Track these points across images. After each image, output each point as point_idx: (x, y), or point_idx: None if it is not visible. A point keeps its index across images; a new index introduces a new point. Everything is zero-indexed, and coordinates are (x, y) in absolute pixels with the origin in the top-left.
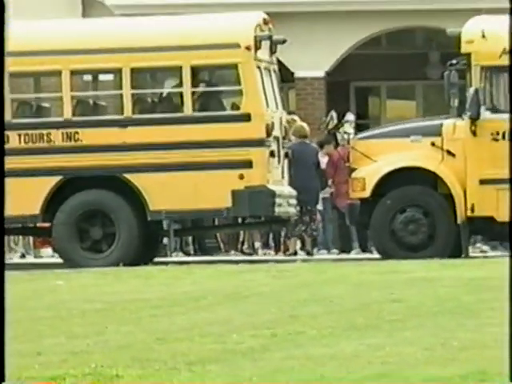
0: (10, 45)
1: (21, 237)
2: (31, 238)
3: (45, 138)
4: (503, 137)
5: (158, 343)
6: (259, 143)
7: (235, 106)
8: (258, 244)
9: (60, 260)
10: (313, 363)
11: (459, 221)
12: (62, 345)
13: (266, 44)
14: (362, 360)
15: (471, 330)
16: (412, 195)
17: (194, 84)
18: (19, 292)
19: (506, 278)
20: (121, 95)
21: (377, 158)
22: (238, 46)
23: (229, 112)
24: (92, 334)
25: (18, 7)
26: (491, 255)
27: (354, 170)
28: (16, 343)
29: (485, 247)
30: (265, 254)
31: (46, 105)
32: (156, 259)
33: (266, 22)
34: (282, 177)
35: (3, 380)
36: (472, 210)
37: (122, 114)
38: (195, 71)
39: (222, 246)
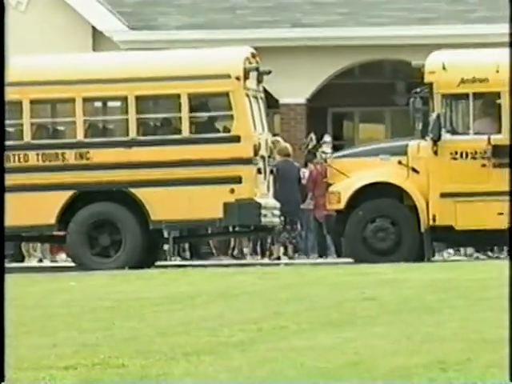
0: (31, 76)
1: (39, 243)
2: (48, 245)
3: (60, 156)
4: (461, 156)
5: (158, 337)
6: (248, 161)
7: (227, 129)
8: (246, 250)
9: (73, 264)
10: (294, 354)
11: (422, 229)
12: (74, 338)
13: (253, 75)
14: (337, 351)
15: (432, 326)
16: (381, 207)
17: (191, 110)
18: (37, 292)
19: (469, 279)
20: (126, 119)
21: (350, 174)
22: (229, 76)
23: (221, 134)
24: (101, 328)
25: (36, 42)
26: (451, 259)
27: (330, 184)
28: (34, 337)
29: (446, 254)
30: (252, 259)
31: (61, 128)
32: (157, 263)
33: (253, 56)
34: (268, 191)
35: (3, 380)
36: (434, 219)
37: (128, 135)
38: (191, 98)
39: (214, 251)
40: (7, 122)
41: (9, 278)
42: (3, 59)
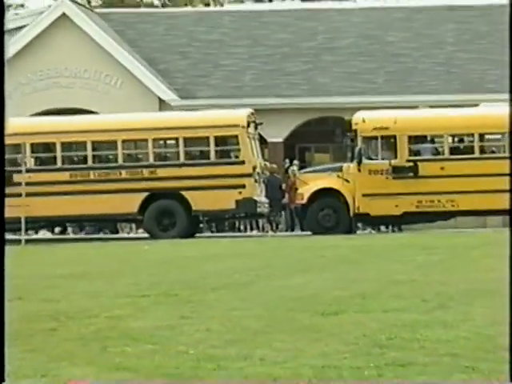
0: (123, 125)
1: (127, 223)
2: (133, 224)
3: (140, 172)
4: (374, 172)
5: (197, 279)
6: (249, 175)
7: (236, 156)
8: (248, 227)
9: (147, 235)
10: (279, 289)
11: (351, 215)
12: (146, 279)
13: (252, 124)
14: (302, 287)
15: (358, 272)
16: (327, 202)
17: (216, 145)
18: (125, 252)
19: (381, 244)
20: (178, 151)
21: (310, 183)
22: (238, 125)
23: (233, 159)
24: (162, 273)
25: (126, 106)
26: (368, 233)
27: (297, 189)
28: (124, 278)
29: (367, 230)
30: (251, 232)
31: (140, 156)
32: (196, 235)
33: (252, 114)
34: (261, 193)
35: (3, 380)
36: (358, 209)
37: (179, 160)
38: (216, 139)
39: (227, 228)
40: (108, 152)
41: (109, 244)
42: (3, 60)
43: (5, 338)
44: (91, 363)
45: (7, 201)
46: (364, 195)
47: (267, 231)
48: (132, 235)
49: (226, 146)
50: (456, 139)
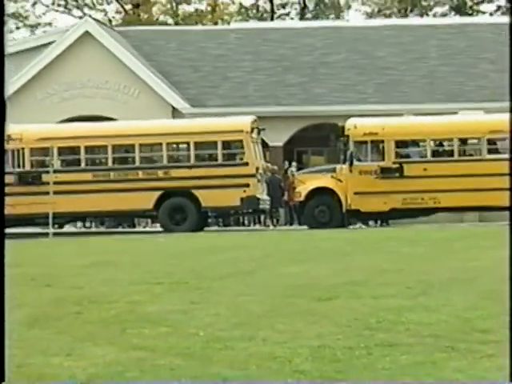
0: (139, 131)
1: (143, 218)
2: (149, 219)
3: (155, 173)
4: (364, 173)
5: (206, 269)
6: (252, 176)
7: (241, 159)
8: (251, 222)
9: (161, 229)
10: (279, 277)
11: (344, 211)
12: (161, 269)
13: (255, 130)
14: (301, 275)
15: (349, 262)
16: (322, 199)
17: (223, 148)
18: (140, 244)
19: (368, 237)
20: (189, 154)
21: (306, 182)
22: (242, 131)
23: (238, 161)
24: (175, 264)
25: (142, 114)
26: (359, 228)
27: (295, 188)
28: (141, 268)
29: (358, 225)
30: (254, 226)
31: (155, 158)
32: (205, 229)
33: (255, 120)
34: (263, 191)
35: (3, 380)
36: (350, 206)
37: (190, 162)
38: (223, 143)
39: (232, 223)
40: (127, 155)
41: (127, 237)
42: (3, 59)
43: (5, 339)
44: (111, 344)
45: (37, 198)
46: (355, 193)
47: (268, 225)
48: (147, 229)
49: (232, 149)
50: (437, 143)
